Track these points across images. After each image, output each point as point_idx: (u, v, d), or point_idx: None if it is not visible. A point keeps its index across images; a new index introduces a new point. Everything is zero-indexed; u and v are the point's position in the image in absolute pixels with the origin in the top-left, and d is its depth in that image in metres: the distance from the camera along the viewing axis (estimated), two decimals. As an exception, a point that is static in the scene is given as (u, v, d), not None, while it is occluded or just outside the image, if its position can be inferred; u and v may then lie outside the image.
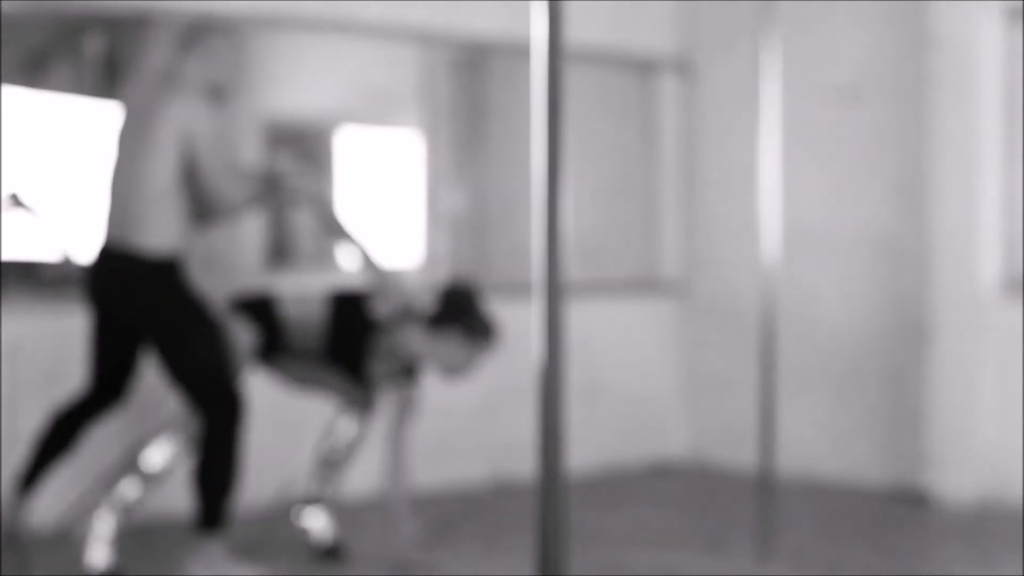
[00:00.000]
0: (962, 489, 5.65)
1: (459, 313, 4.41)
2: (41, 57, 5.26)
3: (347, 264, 5.78)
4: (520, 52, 6.07)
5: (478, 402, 6.01)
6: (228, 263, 5.59)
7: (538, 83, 1.71)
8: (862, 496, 5.88)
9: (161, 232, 4.07)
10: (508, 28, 6.12)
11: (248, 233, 5.67)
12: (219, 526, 4.08)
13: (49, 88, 5.23)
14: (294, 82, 5.93)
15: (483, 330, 4.42)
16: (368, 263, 4.39)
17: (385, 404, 4.66)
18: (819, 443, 6.21)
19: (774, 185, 4.64)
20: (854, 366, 6.13)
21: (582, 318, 5.83)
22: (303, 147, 5.97)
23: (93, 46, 5.21)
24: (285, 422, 5.38)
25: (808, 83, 6.16)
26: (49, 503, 4.68)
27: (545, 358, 1.71)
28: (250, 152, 5.64)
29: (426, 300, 4.47)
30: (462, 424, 6.00)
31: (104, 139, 4.67)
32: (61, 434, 4.19)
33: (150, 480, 4.22)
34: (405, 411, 4.50)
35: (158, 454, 4.23)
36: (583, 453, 6.17)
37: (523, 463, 5.99)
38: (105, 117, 5.02)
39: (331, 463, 4.63)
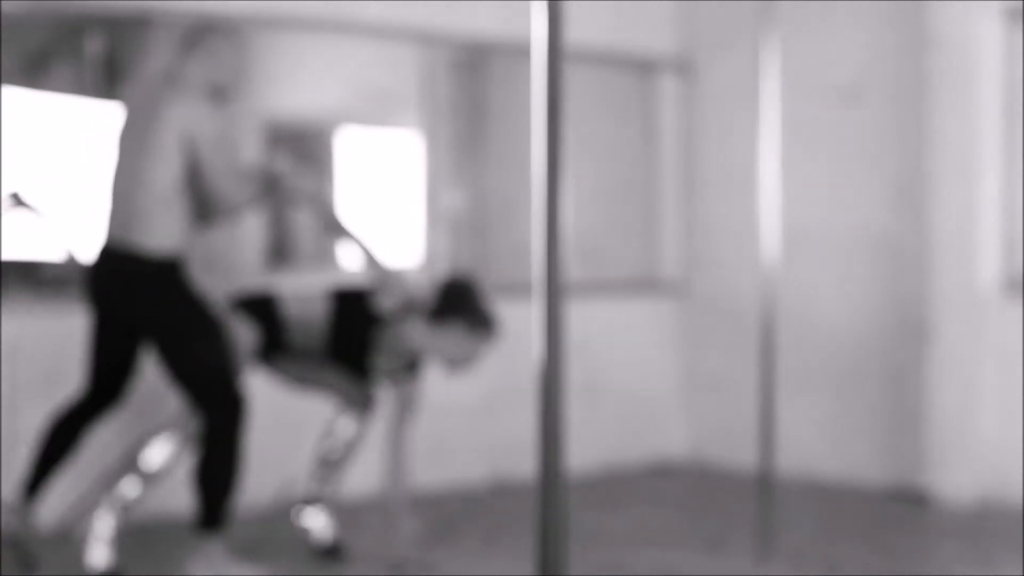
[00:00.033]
0: (962, 489, 5.65)
1: (460, 305, 4.41)
2: (41, 57, 5.27)
3: (349, 262, 5.79)
4: (520, 52, 6.07)
5: (478, 402, 6.01)
6: (228, 263, 5.59)
7: (538, 83, 1.71)
8: (862, 496, 5.88)
9: (163, 232, 4.07)
10: (508, 28, 6.12)
11: (248, 233, 5.68)
12: (220, 526, 4.08)
13: (49, 88, 5.23)
14: (294, 82, 5.93)
15: (485, 321, 4.42)
16: (370, 260, 4.40)
17: (386, 401, 4.66)
18: (819, 443, 6.21)
19: (774, 185, 4.64)
20: (854, 366, 6.13)
21: (582, 318, 5.83)
22: (303, 147, 5.97)
23: (93, 46, 5.21)
24: (285, 422, 5.38)
25: (808, 83, 6.16)
26: (50, 503, 4.67)
27: (545, 358, 1.71)
28: (250, 152, 5.64)
29: (427, 294, 4.47)
30: (462, 424, 6.00)
31: (104, 139, 4.67)
32: (61, 439, 4.18)
33: (150, 479, 4.23)
34: (406, 408, 4.50)
35: (158, 453, 4.23)
36: (583, 453, 6.17)
37: (523, 463, 5.99)
38: (105, 117, 5.02)
39: (331, 463, 4.63)
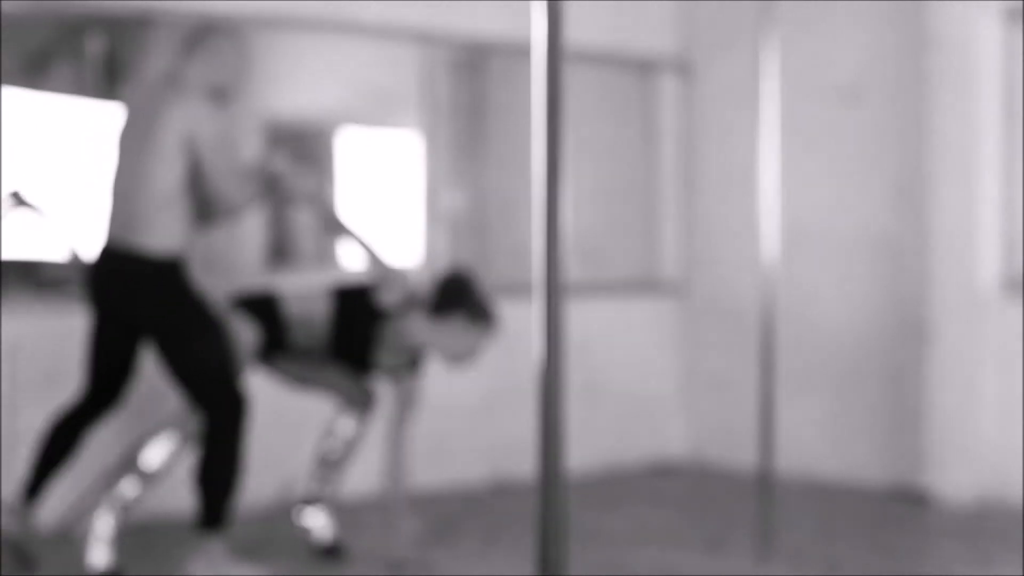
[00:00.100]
0: (962, 489, 5.65)
1: (460, 299, 4.41)
2: (41, 57, 5.27)
3: (350, 261, 5.79)
4: (520, 52, 6.07)
5: (478, 402, 6.01)
6: (228, 262, 5.59)
7: (538, 83, 1.71)
8: (862, 496, 5.88)
9: (165, 233, 4.07)
10: (508, 28, 6.12)
11: (248, 232, 5.68)
12: (220, 525, 4.08)
13: (49, 89, 5.23)
14: (294, 82, 5.93)
15: (485, 314, 4.42)
16: (370, 256, 4.40)
17: (386, 399, 4.66)
18: (819, 443, 6.21)
19: (774, 185, 4.64)
20: (854, 366, 6.13)
21: (582, 318, 5.83)
22: (303, 147, 5.97)
23: (93, 46, 5.21)
24: (285, 422, 5.38)
25: (808, 83, 6.16)
26: (50, 503, 4.67)
27: (545, 358, 1.71)
28: (250, 152, 5.64)
29: (427, 290, 4.47)
30: (462, 424, 6.00)
31: (105, 140, 4.67)
32: (61, 441, 4.18)
33: (149, 479, 4.23)
34: (406, 406, 4.50)
35: (157, 453, 4.23)
36: (583, 453, 6.17)
37: (523, 463, 5.99)
38: (106, 118, 5.02)
39: (331, 463, 4.63)
